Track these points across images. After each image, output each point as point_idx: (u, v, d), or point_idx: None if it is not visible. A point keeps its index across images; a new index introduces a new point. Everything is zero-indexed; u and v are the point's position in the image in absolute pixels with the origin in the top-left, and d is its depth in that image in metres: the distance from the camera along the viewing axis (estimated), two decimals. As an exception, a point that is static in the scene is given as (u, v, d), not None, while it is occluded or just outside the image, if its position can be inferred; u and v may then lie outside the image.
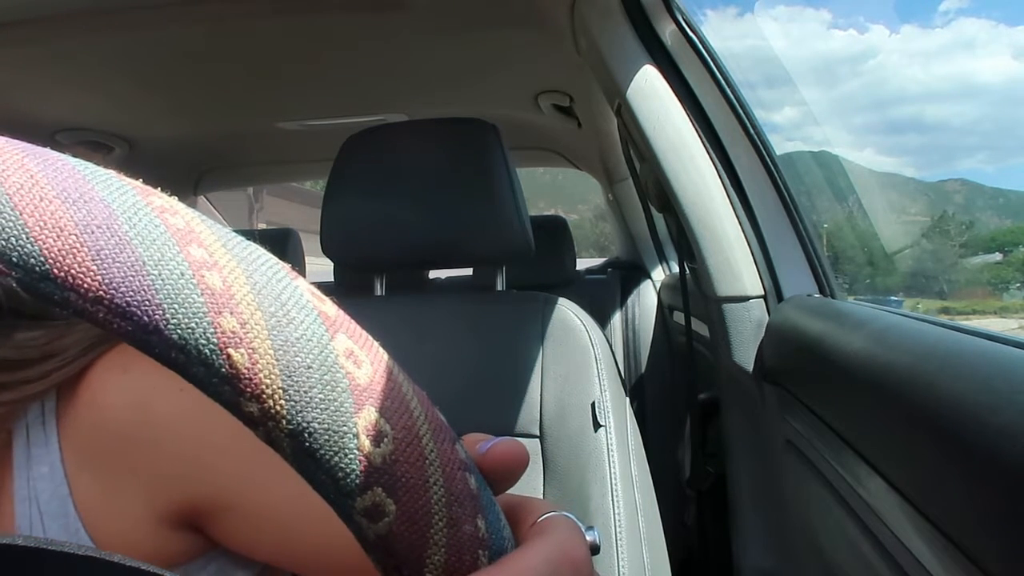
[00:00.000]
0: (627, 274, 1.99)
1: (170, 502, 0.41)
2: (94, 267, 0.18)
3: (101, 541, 0.40)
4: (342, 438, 0.19)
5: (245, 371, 0.18)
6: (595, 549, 0.24)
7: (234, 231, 0.21)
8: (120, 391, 0.41)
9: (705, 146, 0.84)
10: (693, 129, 0.84)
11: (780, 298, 0.82)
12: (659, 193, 0.90)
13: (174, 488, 0.41)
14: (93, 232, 0.18)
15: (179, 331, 0.18)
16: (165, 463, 0.40)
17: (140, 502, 0.40)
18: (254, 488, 0.41)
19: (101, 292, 0.18)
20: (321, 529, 0.41)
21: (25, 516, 0.39)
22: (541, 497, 0.80)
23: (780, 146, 0.91)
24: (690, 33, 0.87)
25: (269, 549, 0.43)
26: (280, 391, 0.19)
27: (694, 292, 1.03)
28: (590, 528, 0.25)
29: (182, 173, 1.99)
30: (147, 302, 0.18)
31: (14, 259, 0.17)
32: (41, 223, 0.18)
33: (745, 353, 0.83)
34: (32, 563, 0.20)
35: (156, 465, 0.40)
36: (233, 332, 0.18)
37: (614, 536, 0.76)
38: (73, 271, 0.18)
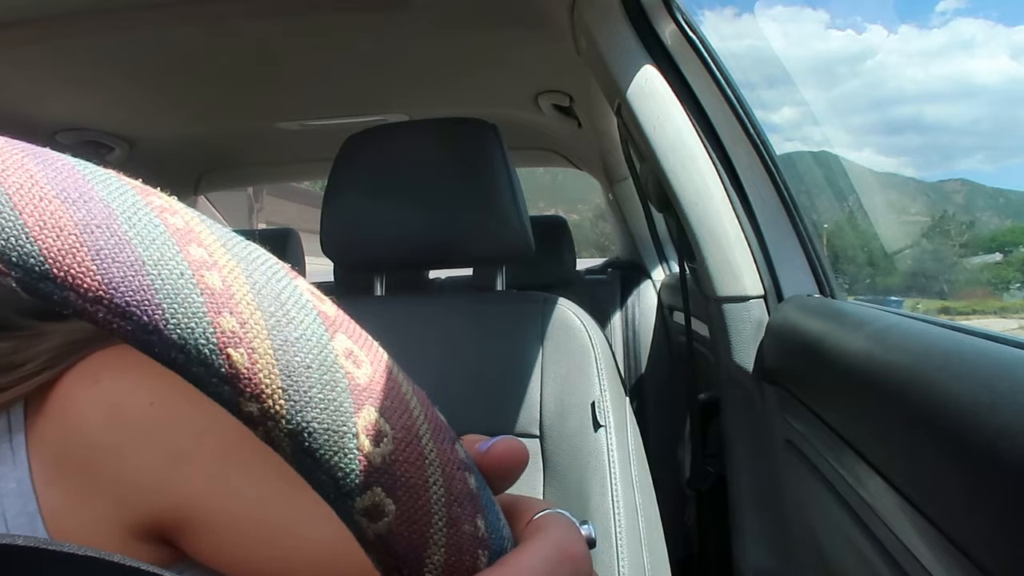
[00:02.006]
0: (627, 274, 1.99)
1: (137, 515, 0.40)
2: (94, 267, 0.18)
3: None
4: (342, 438, 0.19)
5: (245, 371, 0.18)
6: (591, 543, 0.24)
7: (234, 231, 0.21)
8: (90, 402, 0.40)
9: (705, 146, 0.84)
10: (693, 129, 0.84)
11: (780, 298, 0.82)
12: (659, 193, 0.90)
13: (140, 501, 0.40)
14: (93, 232, 0.18)
15: (179, 331, 0.18)
16: (132, 475, 0.40)
17: (108, 515, 0.40)
18: (217, 501, 0.41)
19: (101, 292, 0.18)
20: (281, 544, 0.41)
21: None
22: (541, 497, 0.80)
23: (780, 146, 0.91)
24: (690, 33, 0.87)
25: (234, 563, 0.43)
26: (280, 391, 0.19)
27: (694, 292, 1.03)
28: (584, 523, 0.25)
29: (182, 173, 1.99)
30: (147, 302, 0.18)
31: (14, 259, 0.17)
32: (41, 223, 0.18)
33: (745, 353, 0.83)
34: (32, 563, 0.20)
35: (123, 478, 0.40)
36: (233, 332, 0.18)
37: (614, 536, 0.76)
38: (73, 271, 0.18)
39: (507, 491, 0.25)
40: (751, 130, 0.87)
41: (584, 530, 0.24)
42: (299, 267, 1.89)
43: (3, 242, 0.17)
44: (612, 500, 0.77)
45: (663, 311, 1.84)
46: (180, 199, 0.21)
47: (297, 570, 0.42)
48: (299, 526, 0.41)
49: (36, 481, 0.39)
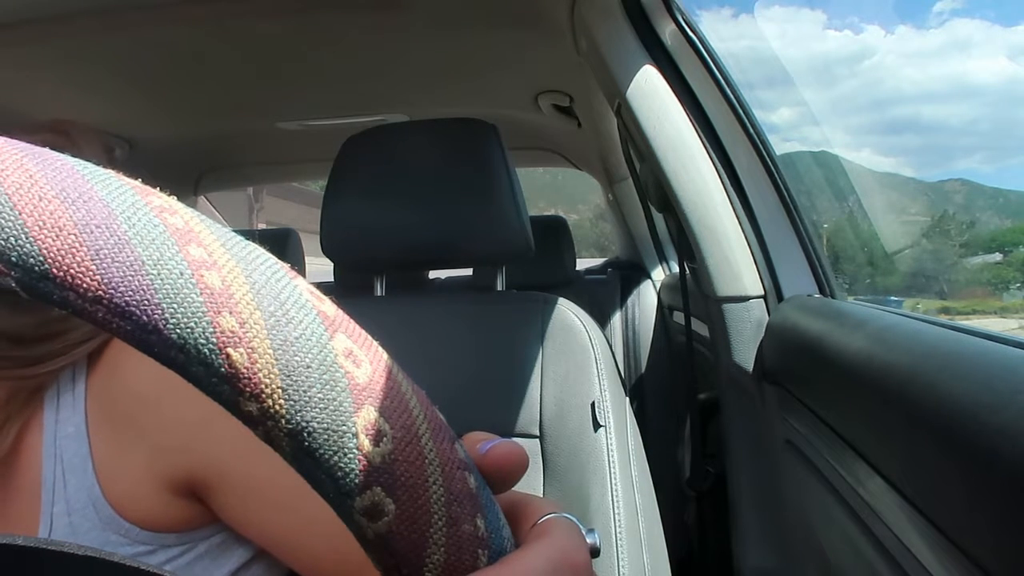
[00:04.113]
0: (627, 274, 1.99)
1: (172, 467, 0.43)
2: (93, 267, 0.18)
3: (113, 498, 0.43)
4: (341, 437, 0.19)
5: (244, 370, 0.18)
6: (595, 552, 0.24)
7: (234, 231, 0.21)
8: (138, 359, 0.44)
9: (705, 146, 0.84)
10: (693, 129, 0.84)
11: (780, 298, 0.82)
12: (659, 193, 0.90)
13: (175, 454, 0.43)
14: (92, 232, 0.18)
15: (178, 331, 0.18)
16: (169, 429, 0.44)
17: (146, 466, 0.43)
18: (244, 464, 0.44)
19: (100, 292, 0.18)
20: (300, 513, 0.43)
21: (50, 472, 0.43)
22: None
23: (779, 146, 0.91)
24: (690, 33, 0.87)
25: (256, 527, 0.45)
26: (279, 390, 0.19)
27: (694, 292, 1.03)
28: (591, 531, 0.24)
29: (182, 173, 1.99)
30: (146, 302, 0.18)
31: (13, 258, 0.17)
32: (40, 223, 0.17)
33: (745, 353, 0.83)
34: (32, 563, 0.20)
35: (161, 431, 0.43)
36: (232, 331, 0.18)
37: (614, 536, 0.76)
38: (72, 271, 0.18)
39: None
40: (751, 130, 0.87)
41: (589, 538, 0.24)
42: (299, 267, 1.89)
43: (3, 242, 0.17)
44: (612, 500, 0.77)
45: (663, 311, 1.84)
46: (180, 199, 0.21)
47: (314, 542, 0.44)
48: (317, 497, 0.42)
49: (90, 427, 0.44)
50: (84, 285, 0.18)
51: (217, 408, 0.44)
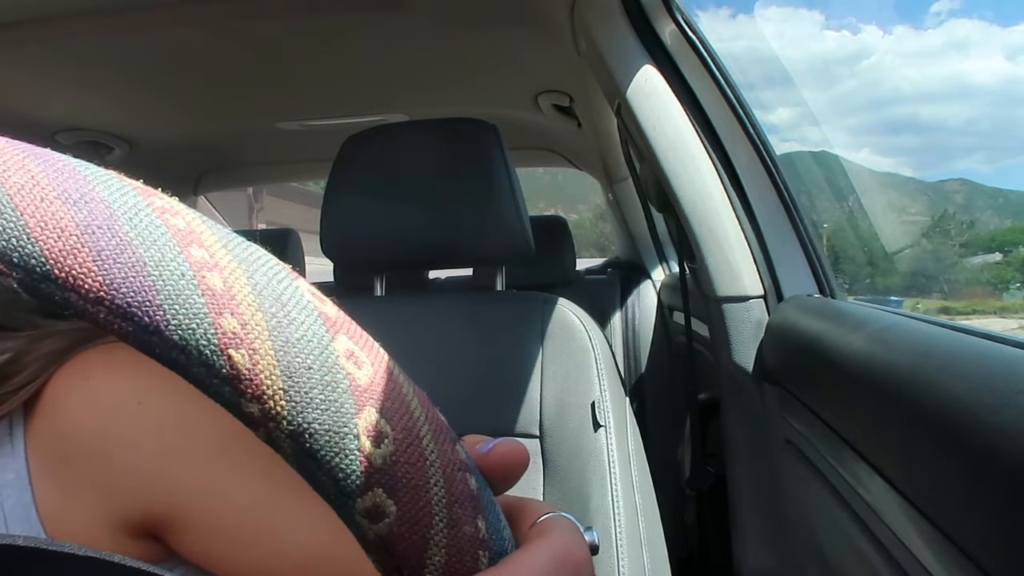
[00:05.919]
0: (627, 274, 1.99)
1: (126, 511, 0.41)
2: (95, 268, 0.18)
3: None
4: (343, 439, 0.19)
5: (246, 372, 0.18)
6: (594, 549, 0.24)
7: (234, 231, 0.21)
8: (79, 400, 0.41)
9: (705, 146, 0.84)
10: (693, 129, 0.84)
11: (780, 298, 0.82)
12: (659, 193, 0.90)
13: (129, 498, 0.41)
14: (94, 233, 0.18)
15: (180, 332, 0.18)
16: (121, 474, 0.40)
17: (97, 510, 0.40)
18: (206, 501, 0.41)
19: (102, 293, 0.18)
20: (268, 546, 0.41)
21: None
22: (541, 498, 0.80)
23: (778, 146, 0.91)
24: (690, 33, 0.87)
25: (221, 563, 0.43)
26: (281, 392, 0.19)
27: (694, 292, 1.03)
28: (589, 528, 0.25)
29: (182, 173, 1.99)
30: (148, 303, 0.18)
31: (15, 260, 0.17)
32: (42, 224, 0.18)
33: (745, 353, 0.83)
34: (32, 563, 0.20)
35: (112, 475, 0.40)
36: (234, 333, 0.18)
37: (614, 536, 0.76)
38: (74, 272, 0.18)
39: (507, 492, 0.26)
40: (751, 130, 0.87)
41: (588, 536, 0.24)
42: (299, 267, 1.89)
43: (4, 243, 0.17)
44: (612, 500, 0.77)
45: (663, 311, 1.85)
46: (180, 199, 0.21)
47: (283, 568, 0.42)
48: (286, 530, 0.41)
49: (32, 473, 0.40)
50: (86, 286, 0.18)
51: (172, 447, 0.42)
